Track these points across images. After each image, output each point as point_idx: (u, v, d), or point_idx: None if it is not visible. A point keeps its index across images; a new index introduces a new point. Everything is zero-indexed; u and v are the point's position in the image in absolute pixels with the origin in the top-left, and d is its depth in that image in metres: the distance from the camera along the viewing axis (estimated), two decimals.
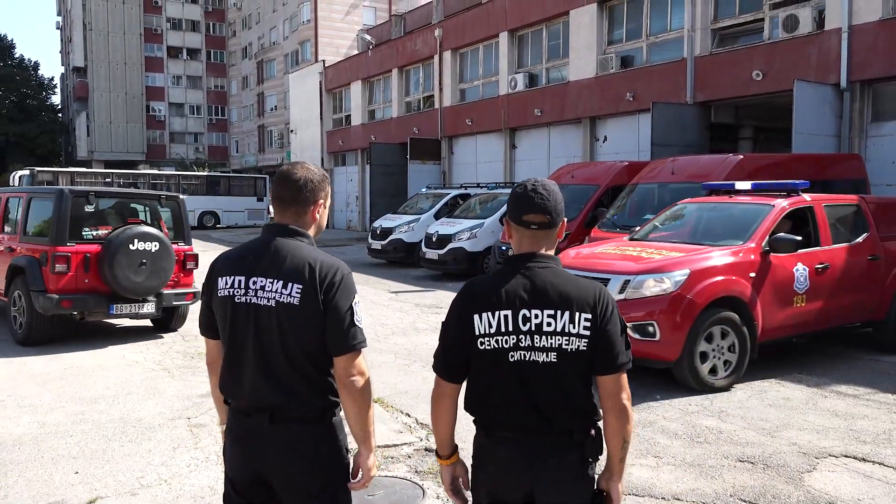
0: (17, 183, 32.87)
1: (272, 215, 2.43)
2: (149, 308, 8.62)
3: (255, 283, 2.23)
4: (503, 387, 2.10)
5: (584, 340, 2.06)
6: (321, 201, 2.37)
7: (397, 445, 5.04)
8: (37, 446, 4.99)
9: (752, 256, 6.87)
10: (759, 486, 4.36)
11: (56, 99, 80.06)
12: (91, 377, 6.89)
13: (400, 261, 17.78)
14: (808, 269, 7.18)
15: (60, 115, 79.14)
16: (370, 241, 18.56)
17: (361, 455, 2.31)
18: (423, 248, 16.10)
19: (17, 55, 71.38)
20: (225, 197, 37.14)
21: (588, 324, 2.07)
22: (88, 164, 59.17)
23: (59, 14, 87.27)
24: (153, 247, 8.34)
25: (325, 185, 2.38)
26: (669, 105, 17.38)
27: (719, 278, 6.57)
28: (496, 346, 2.07)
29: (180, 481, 4.42)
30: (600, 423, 2.17)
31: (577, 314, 2.06)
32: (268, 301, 2.21)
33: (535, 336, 2.06)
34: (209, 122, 72.30)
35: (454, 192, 19.41)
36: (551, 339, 2.06)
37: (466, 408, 2.22)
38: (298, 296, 2.19)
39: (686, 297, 6.39)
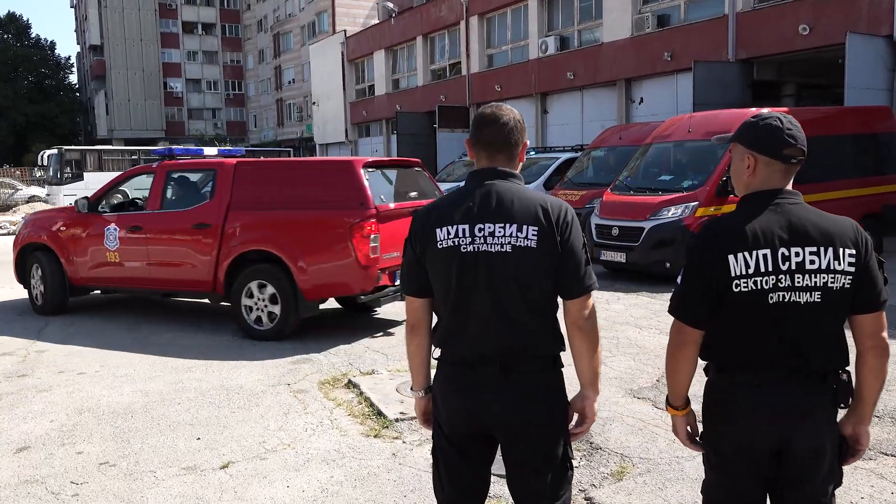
0: (45, 162, 32.95)
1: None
2: None
3: (481, 229, 2.12)
4: (760, 330, 2.01)
5: (848, 278, 1.98)
6: (526, 141, 2.30)
7: None
8: (148, 414, 5.00)
9: (70, 214, 8.43)
10: (895, 439, 4.28)
11: (73, 78, 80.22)
12: (174, 347, 6.89)
13: None
14: (119, 229, 7.82)
15: (78, 94, 79.24)
16: None
17: (588, 398, 2.24)
18: None
19: (33, 35, 71.42)
20: None
21: (853, 259, 1.99)
22: (108, 143, 59.26)
23: None
24: None
25: (524, 124, 2.31)
26: (711, 63, 17.04)
27: (35, 228, 8.63)
28: (754, 287, 1.97)
29: (304, 445, 4.40)
30: (848, 368, 2.09)
31: (841, 250, 1.98)
32: (501, 247, 2.11)
33: (797, 275, 1.97)
34: (226, 97, 72.19)
35: None
36: (815, 277, 1.97)
37: (703, 354, 2.13)
38: (535, 238, 2.10)
39: (17, 240, 8.88)
